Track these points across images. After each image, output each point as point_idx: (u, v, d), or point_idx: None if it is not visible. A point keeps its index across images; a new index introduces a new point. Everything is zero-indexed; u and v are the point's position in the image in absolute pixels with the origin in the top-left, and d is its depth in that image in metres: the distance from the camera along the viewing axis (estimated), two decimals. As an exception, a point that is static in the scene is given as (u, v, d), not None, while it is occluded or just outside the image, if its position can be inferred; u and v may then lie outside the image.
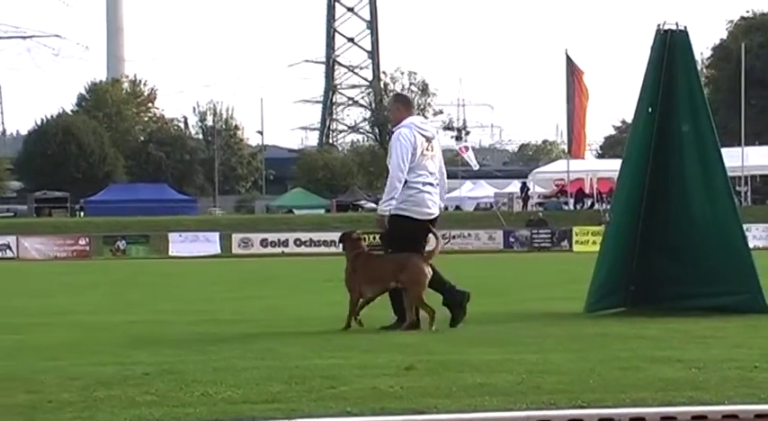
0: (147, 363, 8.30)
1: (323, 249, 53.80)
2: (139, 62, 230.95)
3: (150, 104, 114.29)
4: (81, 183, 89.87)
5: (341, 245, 11.67)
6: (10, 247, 53.03)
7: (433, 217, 11.34)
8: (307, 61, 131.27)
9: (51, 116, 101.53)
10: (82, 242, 53.99)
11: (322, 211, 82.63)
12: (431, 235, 11.30)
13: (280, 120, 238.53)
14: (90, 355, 9.01)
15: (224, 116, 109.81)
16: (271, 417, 6.07)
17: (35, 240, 53.85)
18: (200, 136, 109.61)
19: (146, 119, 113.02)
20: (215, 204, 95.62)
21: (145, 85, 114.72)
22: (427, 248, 11.30)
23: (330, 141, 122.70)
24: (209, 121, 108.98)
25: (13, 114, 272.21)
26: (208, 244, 55.30)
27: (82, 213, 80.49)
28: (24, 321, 12.76)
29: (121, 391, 7.00)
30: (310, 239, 55.74)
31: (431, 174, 11.36)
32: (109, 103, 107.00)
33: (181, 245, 54.87)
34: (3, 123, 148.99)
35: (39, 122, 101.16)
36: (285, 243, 55.37)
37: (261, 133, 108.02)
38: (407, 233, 11.15)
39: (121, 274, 30.16)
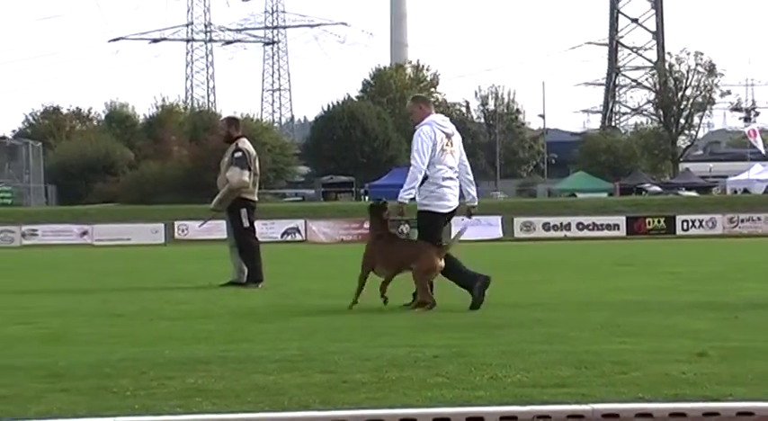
0: (436, 346, 8.38)
1: (606, 233, 53.27)
2: (422, 47, 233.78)
3: (432, 89, 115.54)
4: (365, 168, 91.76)
5: (370, 215, 12.73)
6: (299, 230, 54.65)
7: (452, 209, 12.47)
8: (589, 43, 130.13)
9: (337, 102, 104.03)
10: (367, 226, 55.02)
11: (605, 195, 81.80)
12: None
13: (561, 103, 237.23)
14: (380, 337, 9.17)
15: (505, 100, 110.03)
16: (561, 402, 6.01)
17: (322, 224, 55.29)
18: (482, 120, 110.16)
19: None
20: (496, 188, 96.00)
21: (427, 70, 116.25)
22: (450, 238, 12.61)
23: (613, 124, 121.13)
24: (491, 105, 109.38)
25: (302, 101, 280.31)
26: (490, 227, 55.47)
27: (366, 197, 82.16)
28: (315, 303, 13.09)
29: (413, 373, 7.08)
30: (593, 223, 55.24)
31: (450, 168, 12.37)
32: (392, 89, 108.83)
33: (463, 228, 55.22)
34: (291, 110, 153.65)
35: (325, 108, 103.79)
36: (567, 226, 55.04)
37: (542, 117, 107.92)
38: (432, 225, 12.37)
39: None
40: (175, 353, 8.14)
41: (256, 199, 16.92)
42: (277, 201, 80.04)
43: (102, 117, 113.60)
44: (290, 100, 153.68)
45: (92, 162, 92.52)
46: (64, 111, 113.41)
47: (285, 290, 15.67)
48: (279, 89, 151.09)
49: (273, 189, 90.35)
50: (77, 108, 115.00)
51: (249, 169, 16.48)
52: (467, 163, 12.68)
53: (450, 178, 12.36)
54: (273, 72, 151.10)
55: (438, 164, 12.22)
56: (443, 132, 12.34)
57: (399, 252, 12.18)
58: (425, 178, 12.23)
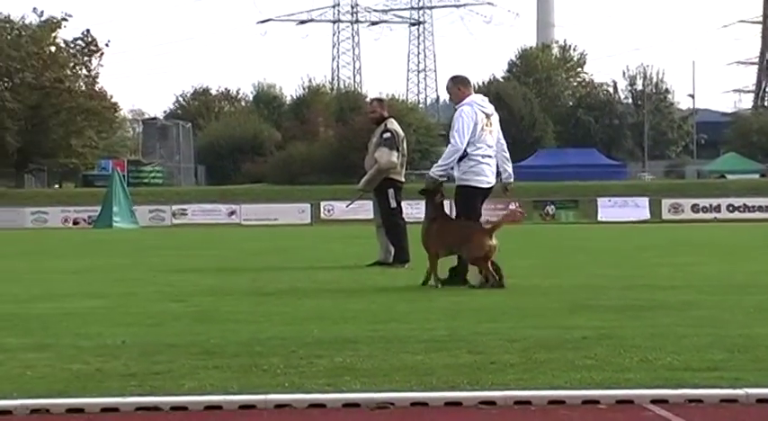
0: (585, 327, 8.30)
1: (758, 215, 52.30)
2: (569, 27, 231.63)
3: (579, 69, 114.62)
4: (511, 149, 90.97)
5: (426, 198, 13.02)
6: (443, 211, 54.74)
7: (491, 185, 13.00)
8: (742, 21, 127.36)
9: (483, 82, 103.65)
10: (512, 207, 54.90)
11: (756, 176, 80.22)
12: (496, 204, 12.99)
13: (712, 82, 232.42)
14: (527, 318, 9.12)
15: (654, 80, 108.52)
16: (714, 386, 5.92)
17: (467, 204, 55.19)
18: (630, 100, 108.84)
19: (575, 84, 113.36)
20: (644, 169, 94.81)
21: (574, 50, 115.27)
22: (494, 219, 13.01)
23: (766, 104, 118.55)
24: (639, 85, 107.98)
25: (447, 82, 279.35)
26: (637, 209, 54.91)
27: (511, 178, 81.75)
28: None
29: (560, 355, 7.02)
30: (744, 205, 54.30)
31: (489, 146, 12.99)
32: (539, 69, 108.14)
33: (610, 210, 54.77)
34: (437, 90, 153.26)
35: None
36: (717, 208, 54.17)
37: (692, 96, 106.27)
38: (469, 199, 12.92)
39: (552, 239, 30.42)
40: (324, 333, 8.21)
41: (403, 179, 17.00)
42: (422, 182, 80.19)
43: (250, 98, 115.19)
44: (436, 81, 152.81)
45: (240, 142, 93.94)
46: (213, 92, 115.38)
47: (431, 270, 15.65)
48: (424, 70, 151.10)
49: (418, 170, 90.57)
50: (226, 89, 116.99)
51: (397, 150, 16.56)
52: (503, 141, 13.32)
53: (489, 156, 13.00)
54: (419, 52, 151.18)
55: (478, 142, 12.83)
56: (483, 112, 12.96)
57: (452, 234, 12.52)
58: (465, 155, 12.82)
